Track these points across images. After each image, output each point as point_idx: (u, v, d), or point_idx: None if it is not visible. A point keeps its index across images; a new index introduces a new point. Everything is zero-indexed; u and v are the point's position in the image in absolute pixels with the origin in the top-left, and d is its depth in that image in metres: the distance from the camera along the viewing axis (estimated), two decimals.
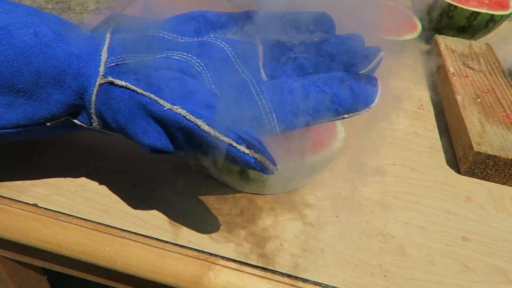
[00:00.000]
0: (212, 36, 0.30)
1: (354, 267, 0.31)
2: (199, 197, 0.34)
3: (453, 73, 0.51)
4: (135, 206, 0.33)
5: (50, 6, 2.15)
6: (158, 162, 0.37)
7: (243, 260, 0.30)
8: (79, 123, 0.28)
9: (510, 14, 0.61)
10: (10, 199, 0.32)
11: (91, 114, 0.27)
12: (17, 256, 0.36)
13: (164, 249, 0.30)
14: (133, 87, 0.25)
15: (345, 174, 0.39)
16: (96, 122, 0.28)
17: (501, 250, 0.34)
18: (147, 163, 0.37)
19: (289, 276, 0.30)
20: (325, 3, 0.34)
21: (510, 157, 0.38)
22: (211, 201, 0.34)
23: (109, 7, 2.19)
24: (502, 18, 0.60)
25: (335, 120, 0.27)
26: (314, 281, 0.29)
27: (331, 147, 0.34)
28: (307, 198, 0.36)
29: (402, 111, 0.49)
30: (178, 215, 0.33)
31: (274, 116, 0.26)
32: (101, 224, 0.31)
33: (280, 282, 0.29)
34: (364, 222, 0.34)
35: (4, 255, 0.37)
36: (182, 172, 0.36)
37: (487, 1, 0.62)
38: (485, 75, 0.52)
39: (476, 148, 0.39)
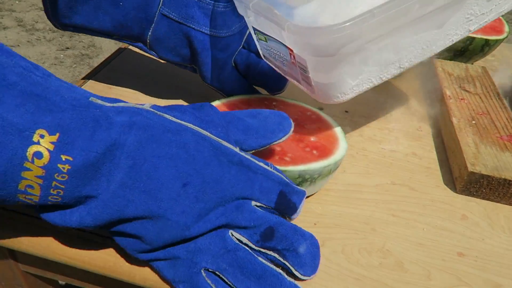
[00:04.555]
0: None
1: (354, 281, 0.33)
2: None
3: (449, 96, 0.54)
4: None
5: None
6: None
7: None
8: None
9: (504, 38, 0.64)
10: (37, 217, 0.35)
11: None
12: (40, 271, 0.39)
13: None
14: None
15: (346, 193, 0.41)
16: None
17: (495, 265, 0.36)
18: None
19: None
20: None
21: (503, 177, 0.40)
22: None
23: None
24: (497, 42, 0.63)
25: None
26: None
27: (333, 156, 0.37)
28: (308, 216, 0.38)
29: (401, 133, 0.51)
30: None
31: None
32: None
33: None
34: (364, 238, 0.37)
35: (28, 271, 0.39)
36: None
37: None
38: (480, 97, 0.54)
39: (470, 168, 0.41)
